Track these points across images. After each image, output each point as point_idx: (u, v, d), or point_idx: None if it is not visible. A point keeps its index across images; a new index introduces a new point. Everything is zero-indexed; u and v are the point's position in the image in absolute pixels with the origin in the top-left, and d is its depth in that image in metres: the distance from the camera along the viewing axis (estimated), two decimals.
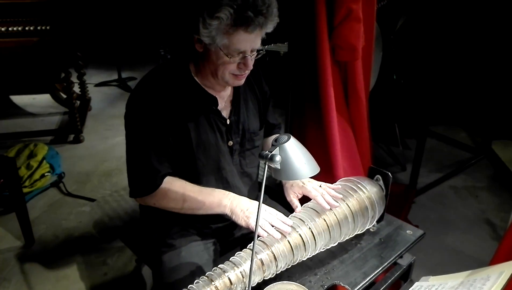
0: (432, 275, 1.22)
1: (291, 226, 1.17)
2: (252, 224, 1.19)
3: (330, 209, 1.24)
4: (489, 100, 3.55)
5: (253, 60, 1.22)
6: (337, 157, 1.65)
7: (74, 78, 3.63)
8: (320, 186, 1.33)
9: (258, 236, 1.14)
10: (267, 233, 1.14)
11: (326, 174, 1.58)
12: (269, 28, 1.16)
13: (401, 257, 1.31)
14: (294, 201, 1.35)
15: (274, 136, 1.50)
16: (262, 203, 1.25)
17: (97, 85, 4.97)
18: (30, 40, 3.13)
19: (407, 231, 1.37)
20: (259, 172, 1.55)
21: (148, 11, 5.17)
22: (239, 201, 1.25)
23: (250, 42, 1.16)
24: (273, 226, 1.16)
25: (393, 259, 1.26)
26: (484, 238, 2.53)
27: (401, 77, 3.22)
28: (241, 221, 1.21)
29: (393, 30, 2.98)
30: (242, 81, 1.27)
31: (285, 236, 1.14)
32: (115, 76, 5.01)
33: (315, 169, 0.95)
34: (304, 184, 1.34)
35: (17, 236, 2.46)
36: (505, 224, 1.81)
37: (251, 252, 0.93)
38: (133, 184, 1.31)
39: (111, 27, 4.87)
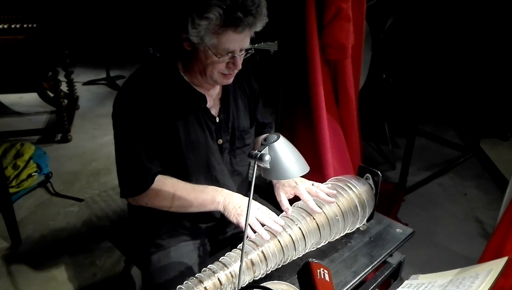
0: (422, 273, 1.22)
1: (282, 226, 1.16)
2: (242, 222, 1.19)
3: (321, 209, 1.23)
4: (477, 99, 3.58)
5: (242, 59, 1.22)
6: (327, 156, 1.65)
7: (61, 77, 3.59)
8: (313, 184, 1.32)
9: (248, 236, 1.13)
10: (257, 233, 1.13)
11: (316, 173, 1.58)
12: (258, 27, 1.16)
13: (390, 255, 1.31)
14: (284, 203, 1.34)
15: (264, 135, 1.50)
16: (256, 201, 1.25)
17: (85, 83, 4.92)
18: (16, 38, 3.08)
19: (397, 230, 1.38)
20: (250, 171, 1.54)
21: (137, 9, 5.13)
22: (232, 197, 1.24)
23: (239, 42, 1.15)
24: (263, 226, 1.16)
25: (382, 258, 1.26)
26: (473, 235, 2.56)
27: (390, 76, 3.24)
28: (233, 218, 1.21)
29: (383, 29, 2.99)
30: (231, 80, 1.27)
31: (275, 236, 1.14)
32: (104, 75, 4.97)
33: (305, 168, 0.95)
34: (296, 184, 1.33)
35: (3, 237, 2.42)
36: (494, 221, 1.83)
37: (241, 252, 0.92)
38: (124, 184, 1.29)
39: (99, 25, 4.82)
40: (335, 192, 1.28)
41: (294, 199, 1.35)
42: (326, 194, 1.27)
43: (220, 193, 1.26)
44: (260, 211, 1.19)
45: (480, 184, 3.10)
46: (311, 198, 1.26)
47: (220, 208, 1.24)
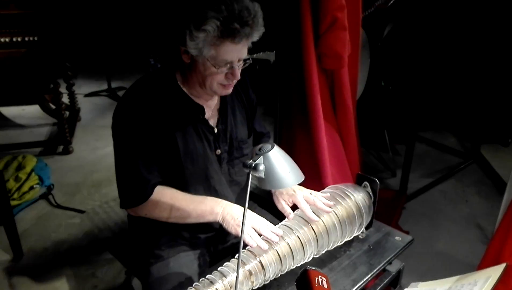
0: (422, 281, 1.22)
1: (280, 236, 1.16)
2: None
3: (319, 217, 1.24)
4: (477, 105, 3.59)
5: (240, 70, 1.23)
6: (325, 164, 1.66)
7: (63, 89, 3.61)
8: (311, 193, 1.33)
9: (246, 246, 1.14)
10: (255, 243, 1.13)
11: (315, 181, 1.58)
12: (255, 37, 1.18)
13: (390, 263, 1.31)
14: (286, 209, 1.35)
15: (259, 145, 1.51)
16: (253, 212, 1.26)
17: (86, 95, 4.95)
18: (18, 51, 3.11)
19: (396, 237, 1.38)
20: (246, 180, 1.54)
21: (138, 20, 5.18)
22: (231, 208, 1.25)
23: (237, 52, 1.17)
24: (261, 236, 1.16)
25: (382, 266, 1.26)
26: (475, 242, 2.54)
27: (389, 84, 3.25)
28: (232, 229, 1.21)
29: (381, 37, 3.00)
30: (230, 90, 1.28)
31: (273, 246, 1.14)
32: (105, 86, 4.99)
33: (300, 177, 0.96)
34: (294, 192, 1.34)
35: (5, 249, 2.42)
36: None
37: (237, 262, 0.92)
38: (124, 195, 1.30)
39: (100, 37, 4.86)
40: (332, 203, 1.28)
41: (292, 207, 1.35)
42: (324, 203, 1.27)
43: (219, 204, 1.26)
44: (257, 222, 1.20)
45: (481, 190, 3.09)
46: (308, 207, 1.26)
47: (219, 219, 1.24)
